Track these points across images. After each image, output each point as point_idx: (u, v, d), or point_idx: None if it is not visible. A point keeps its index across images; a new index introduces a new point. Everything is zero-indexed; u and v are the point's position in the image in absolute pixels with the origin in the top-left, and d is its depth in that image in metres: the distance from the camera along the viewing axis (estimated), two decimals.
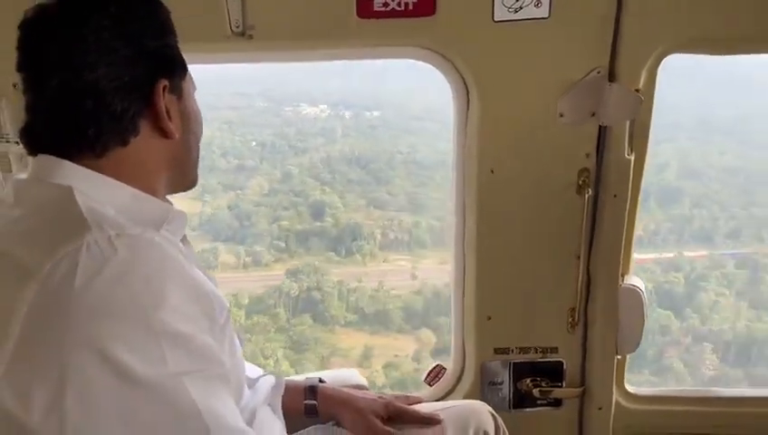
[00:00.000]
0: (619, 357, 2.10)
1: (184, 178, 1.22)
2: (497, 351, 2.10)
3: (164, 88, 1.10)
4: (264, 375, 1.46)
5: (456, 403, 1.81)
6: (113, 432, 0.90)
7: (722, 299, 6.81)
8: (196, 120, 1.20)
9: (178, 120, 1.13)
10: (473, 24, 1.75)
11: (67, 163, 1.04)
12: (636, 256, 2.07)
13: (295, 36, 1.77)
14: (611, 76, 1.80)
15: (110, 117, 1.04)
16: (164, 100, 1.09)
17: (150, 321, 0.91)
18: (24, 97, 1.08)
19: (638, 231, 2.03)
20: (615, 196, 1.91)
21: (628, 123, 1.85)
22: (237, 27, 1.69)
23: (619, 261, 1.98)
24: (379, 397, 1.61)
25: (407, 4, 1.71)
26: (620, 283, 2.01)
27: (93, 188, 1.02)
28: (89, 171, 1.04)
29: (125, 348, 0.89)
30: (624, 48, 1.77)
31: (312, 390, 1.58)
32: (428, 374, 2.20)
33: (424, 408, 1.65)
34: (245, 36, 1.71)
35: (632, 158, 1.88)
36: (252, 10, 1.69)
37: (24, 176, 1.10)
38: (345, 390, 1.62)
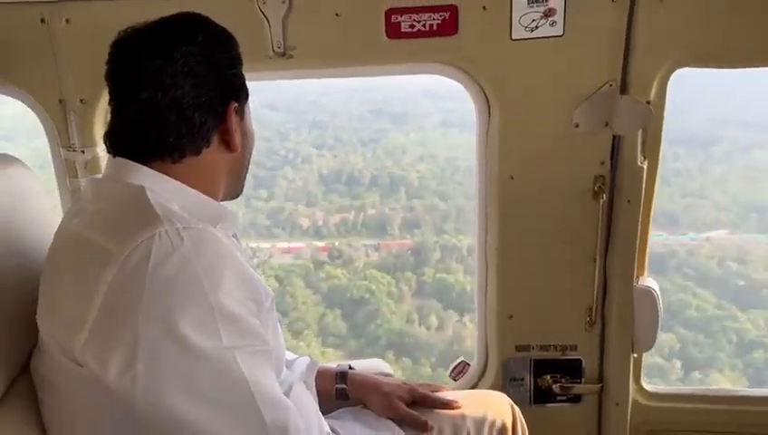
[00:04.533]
0: (635, 355, 2.19)
1: (236, 186, 1.39)
2: (519, 348, 2.20)
3: (235, 109, 1.28)
4: (298, 357, 1.62)
5: (476, 392, 1.92)
6: (174, 392, 1.06)
7: None
8: (252, 138, 1.39)
9: (240, 136, 1.31)
10: (492, 43, 1.88)
11: (140, 166, 1.21)
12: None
13: (331, 56, 1.93)
14: (623, 89, 1.91)
15: (190, 129, 1.22)
16: (233, 119, 1.28)
17: (209, 301, 1.07)
18: (111, 104, 1.26)
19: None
20: (629, 201, 2.01)
21: (640, 132, 1.96)
22: (279, 48, 1.87)
23: (633, 263, 2.08)
24: (403, 383, 1.74)
25: (431, 25, 1.85)
26: (635, 284, 2.11)
27: (162, 189, 1.19)
28: (158, 174, 1.21)
29: (187, 323, 1.05)
30: (635, 62, 1.88)
31: (342, 375, 1.72)
32: (453, 369, 2.32)
33: (445, 395, 1.75)
34: (286, 56, 1.88)
35: (645, 165, 1.99)
36: (292, 33, 1.86)
37: (98, 176, 1.28)
38: (373, 376, 1.75)
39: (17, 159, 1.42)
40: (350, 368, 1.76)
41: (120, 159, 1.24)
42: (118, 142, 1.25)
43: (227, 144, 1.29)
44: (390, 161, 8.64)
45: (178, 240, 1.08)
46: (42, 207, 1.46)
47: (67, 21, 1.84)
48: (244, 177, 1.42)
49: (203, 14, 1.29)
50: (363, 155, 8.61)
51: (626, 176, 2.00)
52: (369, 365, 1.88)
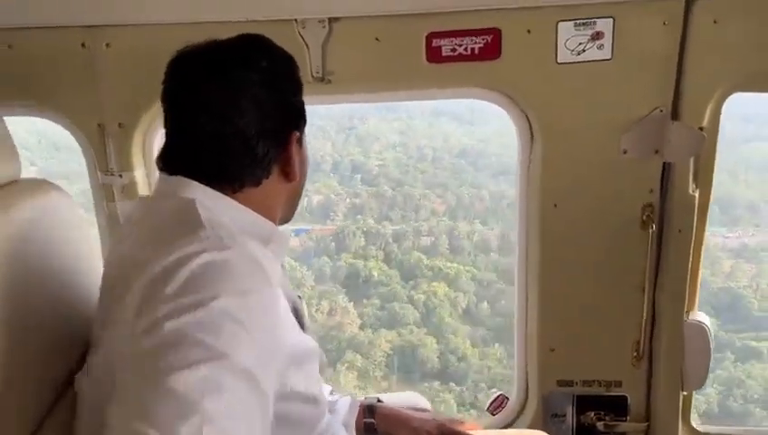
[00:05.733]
0: (684, 393, 2.08)
1: (289, 213, 1.32)
2: (560, 383, 2.12)
3: (296, 138, 1.21)
4: (340, 397, 1.56)
5: (515, 432, 1.84)
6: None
7: None
8: (307, 166, 1.31)
9: (298, 165, 1.23)
10: (537, 67, 1.83)
11: (194, 183, 1.13)
12: None
13: (370, 81, 1.90)
14: (674, 114, 1.84)
15: (252, 159, 1.15)
16: (294, 148, 1.21)
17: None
18: (166, 125, 1.19)
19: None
20: (680, 231, 1.93)
21: (692, 159, 1.88)
22: (317, 73, 1.83)
23: (684, 296, 1.98)
24: (433, 418, 1.65)
25: (473, 49, 1.81)
26: (686, 318, 2.01)
27: (215, 206, 1.11)
28: (212, 190, 1.14)
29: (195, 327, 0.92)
30: (687, 87, 1.81)
31: (370, 409, 1.66)
32: (491, 404, 2.24)
33: (481, 434, 1.69)
34: (324, 81, 1.85)
35: (697, 194, 1.90)
36: (331, 58, 1.83)
37: (148, 193, 1.21)
38: (401, 410, 1.68)
39: (56, 185, 1.41)
40: (379, 401, 1.71)
41: (174, 177, 1.16)
42: (174, 166, 1.17)
43: (287, 174, 1.22)
44: (359, 149, 8.58)
45: (218, 244, 1.01)
46: (80, 232, 1.45)
47: (107, 45, 1.85)
48: (298, 203, 1.35)
49: (266, 37, 1.23)
50: (334, 142, 8.57)
51: (676, 205, 1.91)
52: (406, 399, 1.82)
